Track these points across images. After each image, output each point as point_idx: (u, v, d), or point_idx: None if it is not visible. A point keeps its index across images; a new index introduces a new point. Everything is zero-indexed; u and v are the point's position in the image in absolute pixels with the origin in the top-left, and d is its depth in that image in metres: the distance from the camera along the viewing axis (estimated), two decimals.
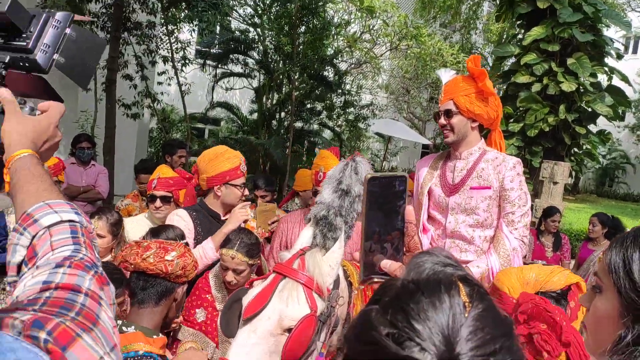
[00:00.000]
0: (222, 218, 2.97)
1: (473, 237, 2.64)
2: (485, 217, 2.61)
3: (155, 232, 2.50)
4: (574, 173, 13.29)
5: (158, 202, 3.27)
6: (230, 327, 1.73)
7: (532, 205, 9.19)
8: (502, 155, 2.68)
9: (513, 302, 1.47)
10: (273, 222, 3.27)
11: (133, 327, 1.64)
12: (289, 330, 1.56)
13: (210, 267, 2.77)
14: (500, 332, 0.65)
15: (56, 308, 0.72)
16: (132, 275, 1.76)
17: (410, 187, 2.98)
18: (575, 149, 12.26)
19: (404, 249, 1.09)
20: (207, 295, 2.61)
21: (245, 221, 2.94)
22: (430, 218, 2.79)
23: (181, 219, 2.87)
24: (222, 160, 2.95)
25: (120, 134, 7.99)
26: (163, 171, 3.36)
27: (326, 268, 1.68)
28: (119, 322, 1.64)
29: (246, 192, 3.05)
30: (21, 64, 0.96)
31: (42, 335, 0.64)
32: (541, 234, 5.95)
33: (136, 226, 3.29)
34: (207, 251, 2.76)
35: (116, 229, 2.99)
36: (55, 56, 0.98)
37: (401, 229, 1.09)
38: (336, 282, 1.75)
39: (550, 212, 5.99)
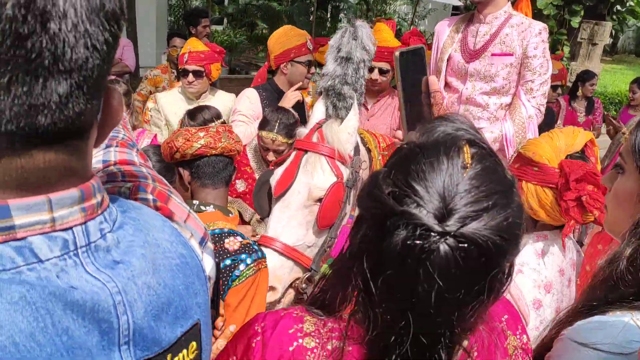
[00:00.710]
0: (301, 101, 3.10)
1: (488, 104, 2.63)
2: (504, 84, 2.58)
3: (192, 113, 2.54)
4: (613, 32, 12.56)
5: (190, 77, 3.26)
6: (263, 208, 1.87)
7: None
8: (527, 20, 2.57)
9: (555, 171, 1.51)
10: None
11: (212, 206, 1.64)
12: (320, 200, 1.68)
13: None
14: (495, 190, 0.69)
15: (136, 178, 0.75)
16: (205, 159, 1.67)
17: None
18: (618, 7, 11.44)
19: (433, 117, 1.12)
20: (247, 168, 2.74)
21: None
22: (446, 85, 2.76)
23: (248, 99, 2.98)
24: (287, 38, 3.01)
25: (139, 4, 7.73)
26: (194, 45, 3.30)
27: (344, 136, 1.74)
28: (195, 201, 1.65)
29: (312, 69, 3.08)
30: None
31: (150, 197, 0.70)
32: (574, 99, 5.82)
33: (171, 100, 3.35)
34: (253, 132, 2.84)
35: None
36: None
37: (426, 99, 1.15)
38: (356, 149, 1.83)
39: (587, 76, 5.81)
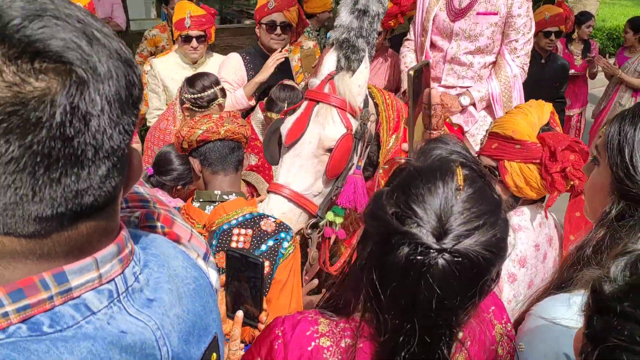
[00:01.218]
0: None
1: (472, 63, 2.69)
2: (488, 43, 2.63)
3: (191, 80, 2.60)
4: None
5: (194, 42, 3.22)
6: (274, 156, 1.92)
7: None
8: None
9: (537, 146, 1.57)
10: (314, 65, 3.22)
11: (234, 194, 1.68)
12: (330, 150, 1.74)
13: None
14: (485, 210, 0.81)
15: (139, 202, 0.82)
16: (210, 145, 1.69)
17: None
18: None
19: (432, 128, 1.20)
20: (256, 142, 2.81)
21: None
22: (431, 44, 2.80)
23: (231, 65, 3.02)
24: None
25: None
26: (192, 9, 3.24)
27: (355, 89, 1.78)
28: (217, 192, 1.67)
29: (277, 31, 3.02)
30: None
31: (157, 224, 0.78)
32: (570, 42, 5.78)
33: (167, 65, 3.36)
34: (239, 99, 2.92)
35: None
36: None
37: (427, 110, 1.21)
38: (365, 102, 1.87)
39: (584, 18, 5.72)
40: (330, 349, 0.91)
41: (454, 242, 0.78)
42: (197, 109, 2.59)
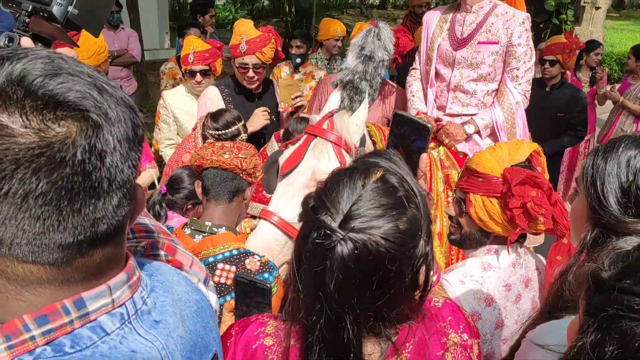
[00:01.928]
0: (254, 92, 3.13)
1: (475, 91, 2.75)
2: (490, 71, 2.70)
3: (214, 116, 2.69)
4: None
5: (198, 77, 3.36)
6: (271, 186, 1.99)
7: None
8: (512, 10, 2.68)
9: (499, 180, 1.58)
10: (296, 97, 3.23)
11: (224, 228, 1.71)
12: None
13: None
14: (387, 204, 0.89)
15: (144, 233, 0.91)
16: (207, 171, 1.77)
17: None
18: None
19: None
20: None
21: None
22: (436, 74, 2.86)
23: (210, 100, 3.05)
24: (233, 35, 3.03)
25: None
26: (196, 44, 3.37)
27: (353, 127, 1.87)
28: (208, 223, 1.71)
29: (250, 73, 3.01)
30: (41, 13, 1.06)
31: (161, 252, 0.86)
32: (578, 69, 5.83)
33: (177, 97, 3.49)
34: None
35: None
36: (70, 8, 1.06)
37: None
38: (362, 140, 1.96)
39: (592, 46, 5.77)
40: (272, 347, 0.99)
41: (354, 228, 0.86)
42: None
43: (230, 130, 2.68)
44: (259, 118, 2.98)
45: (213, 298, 0.90)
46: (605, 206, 1.15)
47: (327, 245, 0.86)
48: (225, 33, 8.78)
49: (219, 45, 3.54)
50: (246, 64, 3.00)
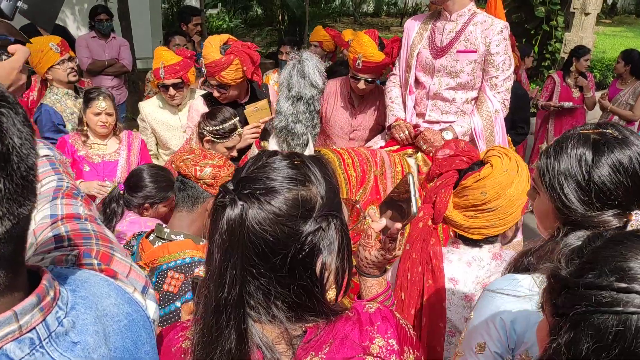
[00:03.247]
0: (241, 102, 3.13)
1: (454, 99, 2.78)
2: (469, 79, 2.73)
3: (211, 114, 2.72)
4: None
5: (171, 91, 3.33)
6: None
7: (562, 39, 8.86)
8: (490, 19, 2.70)
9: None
10: (264, 121, 3.14)
11: (182, 235, 1.69)
12: None
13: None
14: (282, 173, 0.91)
15: (80, 240, 0.87)
16: (177, 177, 1.80)
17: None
18: None
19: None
20: None
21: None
22: (415, 80, 2.89)
23: (197, 112, 3.05)
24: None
25: None
26: (166, 58, 3.31)
27: None
28: (167, 230, 1.70)
29: (215, 93, 3.04)
30: None
31: (94, 261, 0.82)
32: (568, 75, 5.87)
33: (153, 109, 3.48)
34: None
35: (115, 104, 3.20)
36: (19, 3, 1.05)
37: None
38: None
39: (581, 51, 5.80)
40: (189, 350, 0.98)
41: (244, 188, 0.89)
42: (218, 140, 2.71)
43: (227, 124, 2.70)
44: (246, 140, 2.97)
45: (151, 307, 0.86)
46: (569, 206, 1.18)
47: (220, 204, 0.89)
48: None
49: (189, 54, 3.45)
50: (166, 85, 3.14)
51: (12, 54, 1.08)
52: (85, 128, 3.07)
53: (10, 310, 0.61)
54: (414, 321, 1.71)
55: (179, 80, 3.32)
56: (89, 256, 0.83)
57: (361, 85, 3.08)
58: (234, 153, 2.80)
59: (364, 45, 3.04)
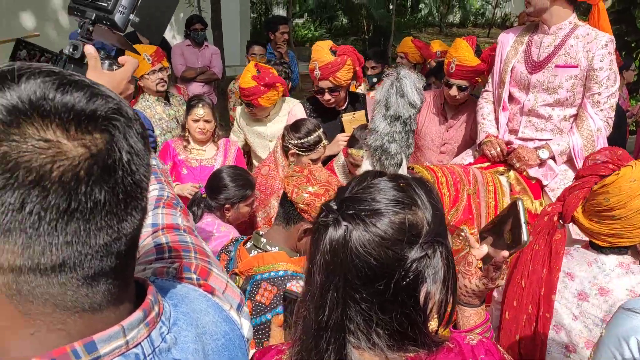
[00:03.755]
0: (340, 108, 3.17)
1: (551, 116, 2.64)
2: (568, 96, 2.58)
3: (295, 126, 2.77)
4: None
5: (246, 108, 3.46)
6: None
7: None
8: (594, 32, 2.55)
9: None
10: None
11: (277, 247, 1.69)
12: None
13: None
14: (388, 195, 0.88)
15: (180, 252, 0.88)
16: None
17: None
18: None
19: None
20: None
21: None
22: (509, 96, 2.78)
23: (294, 117, 3.11)
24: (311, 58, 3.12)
25: (224, 1, 8.10)
26: (243, 81, 3.33)
27: None
28: (264, 240, 1.71)
29: (325, 97, 3.07)
30: (103, 22, 1.08)
31: (194, 275, 0.82)
32: None
33: (245, 117, 3.60)
34: None
35: (215, 112, 3.34)
36: (131, 17, 1.09)
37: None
38: None
39: (626, 63, 5.41)
40: None
41: (349, 208, 0.86)
42: (303, 153, 2.73)
43: (312, 137, 2.71)
44: (339, 145, 3.00)
45: (246, 326, 0.85)
46: None
47: (323, 223, 0.87)
48: (304, 51, 9.00)
49: (264, 82, 3.31)
50: (322, 89, 3.07)
51: (122, 65, 1.13)
52: (187, 134, 3.25)
53: (118, 325, 0.61)
54: (529, 309, 1.76)
55: (250, 102, 3.36)
56: (188, 270, 0.83)
57: (453, 91, 3.02)
58: (319, 165, 2.80)
59: (459, 49, 2.99)
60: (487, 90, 2.94)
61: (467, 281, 1.25)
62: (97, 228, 0.55)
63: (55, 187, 0.52)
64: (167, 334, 0.67)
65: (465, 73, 2.96)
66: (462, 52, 2.98)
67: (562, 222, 1.75)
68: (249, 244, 1.76)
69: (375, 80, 4.58)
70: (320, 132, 2.75)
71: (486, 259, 1.25)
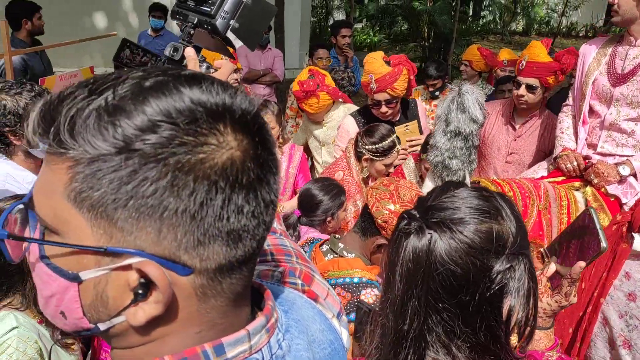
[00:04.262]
0: (394, 119, 3.14)
1: (634, 131, 2.51)
2: None
3: (369, 131, 2.76)
4: None
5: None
6: None
7: None
8: None
9: None
10: (412, 141, 3.12)
11: (354, 254, 1.68)
12: None
13: None
14: (472, 204, 0.88)
15: (283, 256, 0.86)
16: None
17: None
18: None
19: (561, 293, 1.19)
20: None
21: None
22: (590, 109, 2.66)
23: (346, 131, 3.11)
24: (363, 71, 3.03)
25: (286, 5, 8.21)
26: (294, 86, 3.42)
27: None
28: (340, 245, 1.70)
29: (382, 109, 3.02)
30: (205, 26, 1.10)
31: (298, 281, 0.81)
32: None
33: (305, 119, 3.65)
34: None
35: (280, 118, 3.34)
36: (232, 22, 1.10)
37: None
38: None
39: None
40: None
41: (433, 217, 0.85)
42: (377, 158, 2.70)
43: (386, 142, 2.67)
44: (395, 157, 2.93)
45: (345, 335, 0.83)
46: None
47: (405, 230, 0.86)
48: (362, 55, 8.99)
49: (306, 88, 3.35)
50: (378, 101, 3.02)
51: (219, 68, 1.14)
52: None
53: (244, 330, 0.61)
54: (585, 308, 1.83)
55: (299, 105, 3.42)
56: (293, 275, 0.82)
57: (521, 91, 2.89)
58: (392, 170, 2.78)
59: (531, 48, 2.91)
60: (567, 105, 2.83)
61: (539, 301, 1.20)
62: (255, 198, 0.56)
63: (238, 186, 0.54)
64: (283, 341, 0.66)
65: (535, 70, 2.84)
66: (534, 50, 2.89)
67: (631, 233, 1.76)
68: (324, 247, 1.76)
69: (437, 93, 4.51)
70: (394, 137, 2.71)
71: (551, 277, 1.20)
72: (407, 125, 3.02)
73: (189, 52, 1.09)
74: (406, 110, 3.24)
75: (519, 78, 2.91)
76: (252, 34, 1.18)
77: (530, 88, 2.90)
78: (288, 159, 3.31)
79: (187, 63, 1.10)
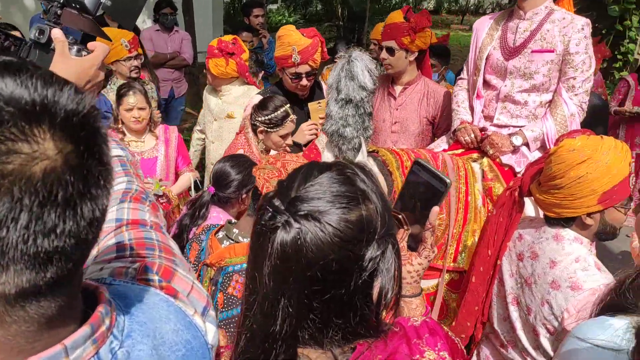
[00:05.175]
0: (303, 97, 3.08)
1: (527, 102, 2.62)
2: (544, 81, 2.56)
3: (262, 104, 2.69)
4: None
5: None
6: None
7: (637, 40, 8.38)
8: (570, 16, 2.52)
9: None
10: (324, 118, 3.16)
11: (249, 238, 1.68)
12: None
13: None
14: (337, 191, 0.83)
15: (143, 250, 0.82)
16: None
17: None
18: None
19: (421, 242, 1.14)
20: None
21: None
22: (485, 82, 2.75)
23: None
24: (279, 44, 2.96)
25: None
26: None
27: None
28: (235, 230, 1.66)
29: (303, 82, 2.95)
30: (73, 4, 1.02)
31: (155, 277, 0.76)
32: None
33: (207, 92, 3.62)
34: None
35: (148, 98, 3.15)
36: (103, 0, 1.03)
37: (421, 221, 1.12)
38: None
39: None
40: None
41: (300, 210, 0.79)
42: (272, 129, 2.66)
43: (279, 112, 2.65)
44: (305, 135, 2.92)
45: (211, 332, 0.78)
46: None
47: (270, 225, 0.79)
48: None
49: (223, 47, 3.38)
50: (300, 74, 2.93)
51: (92, 51, 1.07)
52: (121, 125, 3.05)
53: (60, 344, 0.55)
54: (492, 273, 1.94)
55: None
56: (150, 271, 0.77)
57: (383, 54, 2.98)
58: (289, 141, 2.74)
59: (390, 15, 3.05)
60: (461, 78, 2.91)
61: (409, 266, 1.15)
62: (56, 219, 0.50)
63: (52, 203, 0.49)
64: (119, 349, 0.61)
65: (389, 32, 2.93)
66: (391, 15, 3.02)
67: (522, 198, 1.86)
68: (220, 234, 1.71)
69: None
70: (287, 107, 2.68)
71: (416, 238, 1.15)
72: (319, 102, 2.99)
73: (56, 33, 1.00)
74: (314, 87, 3.21)
75: (382, 43, 3.02)
76: (127, 12, 1.10)
77: (389, 50, 2.95)
78: (165, 142, 3.17)
79: (54, 46, 1.01)
